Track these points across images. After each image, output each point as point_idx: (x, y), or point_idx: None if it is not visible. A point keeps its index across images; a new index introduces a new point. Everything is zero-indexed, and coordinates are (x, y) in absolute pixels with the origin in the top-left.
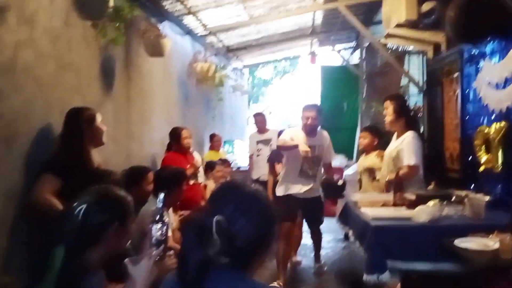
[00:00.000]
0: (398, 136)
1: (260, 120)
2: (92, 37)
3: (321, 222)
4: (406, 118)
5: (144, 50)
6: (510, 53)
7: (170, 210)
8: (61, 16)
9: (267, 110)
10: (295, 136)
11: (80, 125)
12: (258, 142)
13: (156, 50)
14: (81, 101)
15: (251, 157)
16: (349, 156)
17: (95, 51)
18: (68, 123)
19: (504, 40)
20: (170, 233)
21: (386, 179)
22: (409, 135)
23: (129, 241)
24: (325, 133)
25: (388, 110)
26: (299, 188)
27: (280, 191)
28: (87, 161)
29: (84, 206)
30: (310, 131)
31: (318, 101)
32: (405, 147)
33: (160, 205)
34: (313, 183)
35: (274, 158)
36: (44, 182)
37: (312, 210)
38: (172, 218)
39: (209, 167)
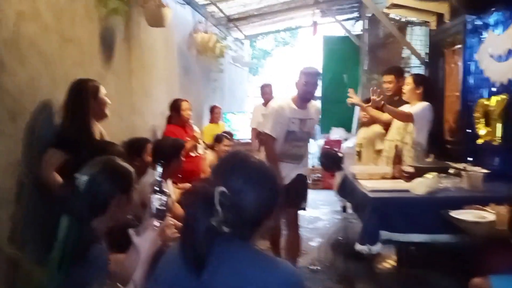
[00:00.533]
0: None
1: (267, 92)
2: (94, 8)
3: (303, 207)
4: (424, 89)
5: (145, 20)
6: None
7: (169, 181)
8: None
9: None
10: (285, 106)
11: (84, 97)
12: (264, 115)
13: (157, 20)
14: (84, 75)
15: (254, 129)
16: (348, 129)
17: (96, 24)
18: (72, 95)
19: (509, 11)
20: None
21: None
22: (422, 104)
23: (131, 212)
24: (318, 105)
25: (408, 81)
26: (288, 170)
27: None
28: (91, 133)
29: (89, 176)
30: (304, 100)
31: (319, 70)
32: (417, 113)
33: (159, 176)
34: (302, 165)
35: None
36: (48, 157)
37: (295, 190)
38: (171, 190)
39: (217, 139)
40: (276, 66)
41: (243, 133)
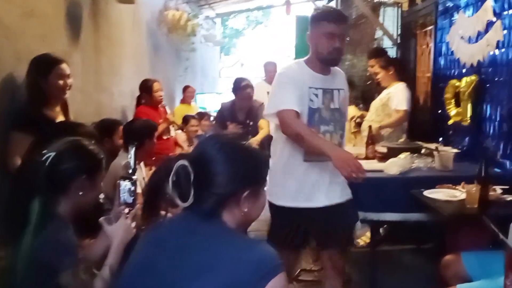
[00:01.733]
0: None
1: (271, 70)
2: None
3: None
4: (395, 70)
5: None
6: (484, 5)
7: (142, 164)
8: None
9: (239, 62)
10: (300, 71)
11: (36, 78)
12: (268, 93)
13: None
14: (49, 49)
15: None
16: None
17: None
18: (31, 73)
19: None
20: (139, 190)
21: (378, 126)
22: (400, 84)
23: (103, 195)
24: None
25: (375, 68)
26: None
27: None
28: (50, 116)
29: (51, 154)
30: (328, 62)
31: (292, 52)
32: (395, 94)
33: (131, 160)
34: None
35: (225, 115)
36: (13, 143)
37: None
38: (144, 172)
39: (185, 121)
40: (249, 46)
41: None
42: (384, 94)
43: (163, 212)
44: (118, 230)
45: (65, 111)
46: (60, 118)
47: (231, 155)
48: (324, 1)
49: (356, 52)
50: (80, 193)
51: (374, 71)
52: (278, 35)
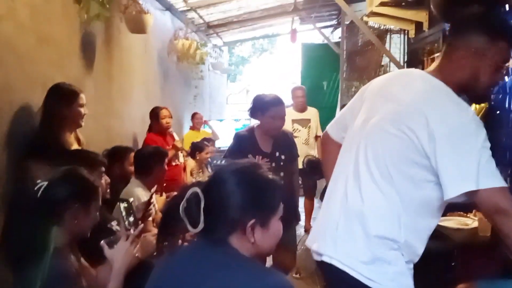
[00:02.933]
0: None
1: (299, 95)
2: (73, 10)
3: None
4: None
5: (126, 26)
6: None
7: (153, 190)
8: None
9: (245, 89)
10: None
11: (59, 105)
12: (294, 121)
13: (138, 26)
14: (63, 76)
15: None
16: None
17: (75, 25)
18: (49, 101)
19: None
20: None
21: None
22: None
23: (116, 222)
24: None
25: None
26: None
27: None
28: (67, 143)
29: (43, 184)
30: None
31: (298, 79)
32: None
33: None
34: None
35: (244, 146)
36: (30, 171)
37: None
38: (155, 199)
39: (198, 148)
40: (254, 73)
41: (223, 141)
42: None
43: (178, 239)
44: (118, 253)
45: (78, 138)
46: (75, 145)
47: (237, 182)
48: (330, 29)
49: (362, 79)
50: (75, 221)
51: None
52: (283, 61)
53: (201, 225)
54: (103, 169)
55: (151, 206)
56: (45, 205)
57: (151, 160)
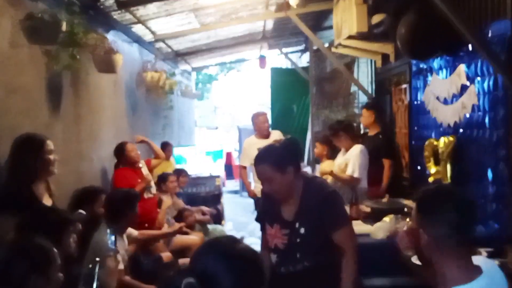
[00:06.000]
0: (346, 150)
1: (262, 121)
2: (41, 59)
3: None
4: (350, 135)
5: (94, 66)
6: (457, 70)
7: (124, 236)
8: (6, 38)
9: (213, 108)
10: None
11: (27, 157)
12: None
13: (107, 67)
14: (31, 125)
15: (244, 168)
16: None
17: (42, 73)
18: (15, 153)
19: (452, 57)
20: (121, 265)
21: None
22: (356, 148)
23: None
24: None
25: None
26: None
27: None
28: (37, 195)
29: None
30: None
31: (267, 100)
32: (351, 160)
33: None
34: None
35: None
36: None
37: None
38: (126, 244)
39: (162, 179)
40: (222, 91)
41: (193, 167)
42: (342, 160)
43: None
44: None
45: (49, 187)
46: (45, 196)
47: (226, 266)
48: (297, 55)
49: (332, 106)
50: None
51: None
52: (251, 80)
53: None
54: (72, 228)
55: None
56: (6, 282)
57: (122, 205)
